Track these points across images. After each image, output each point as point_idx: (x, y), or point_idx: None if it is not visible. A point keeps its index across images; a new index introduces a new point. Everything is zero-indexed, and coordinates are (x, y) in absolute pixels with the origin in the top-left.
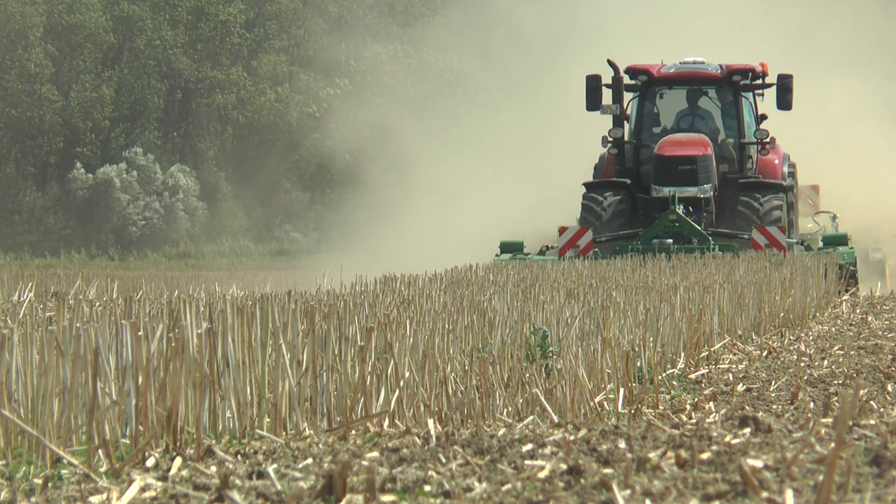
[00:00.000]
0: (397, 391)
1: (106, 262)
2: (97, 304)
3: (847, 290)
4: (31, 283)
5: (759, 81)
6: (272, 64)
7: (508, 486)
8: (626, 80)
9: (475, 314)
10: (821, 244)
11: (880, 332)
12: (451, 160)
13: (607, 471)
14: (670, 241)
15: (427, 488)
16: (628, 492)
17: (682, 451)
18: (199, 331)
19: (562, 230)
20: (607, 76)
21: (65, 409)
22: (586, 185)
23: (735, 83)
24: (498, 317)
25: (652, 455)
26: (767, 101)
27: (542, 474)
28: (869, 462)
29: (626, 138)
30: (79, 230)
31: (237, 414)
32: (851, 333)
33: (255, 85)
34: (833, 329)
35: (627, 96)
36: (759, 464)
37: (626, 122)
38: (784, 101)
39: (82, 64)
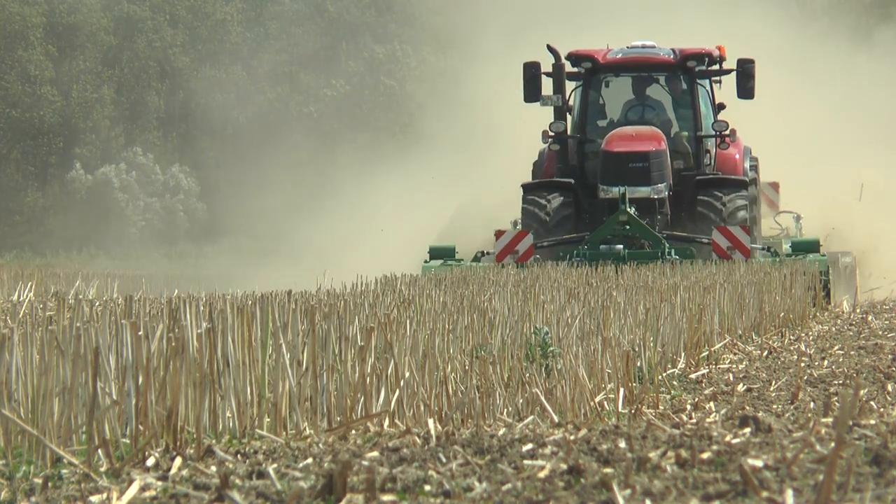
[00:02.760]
0: (397, 391)
1: (106, 262)
2: (97, 303)
3: (820, 303)
4: (31, 283)
5: (716, 67)
6: (272, 64)
7: (508, 485)
8: (568, 67)
9: (475, 314)
10: (788, 249)
11: (880, 332)
12: (365, 159)
13: (607, 470)
14: (620, 246)
15: (427, 488)
16: (628, 491)
17: (682, 451)
18: (199, 330)
19: (498, 234)
20: (547, 63)
21: (65, 408)
22: (525, 186)
23: (690, 69)
24: (498, 317)
25: (652, 455)
26: (724, 90)
27: (542, 474)
28: (869, 462)
29: (568, 132)
30: (79, 230)
31: (237, 414)
32: (851, 333)
33: (253, 84)
34: (833, 329)
35: (570, 86)
36: (759, 463)
37: (568, 114)
38: (745, 89)
39: (82, 64)
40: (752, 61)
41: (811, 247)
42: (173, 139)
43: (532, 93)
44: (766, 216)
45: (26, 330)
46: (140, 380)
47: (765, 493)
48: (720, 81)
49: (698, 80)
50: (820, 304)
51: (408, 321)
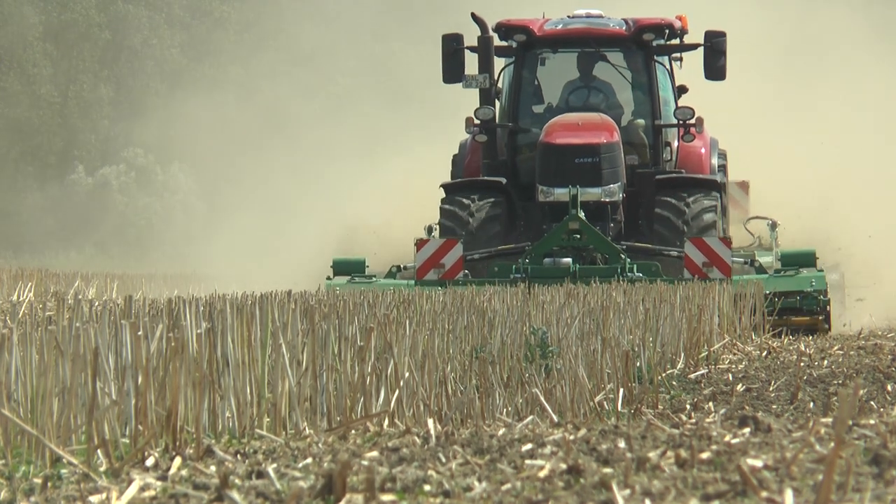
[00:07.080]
0: (397, 391)
1: (106, 262)
2: (97, 303)
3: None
4: (30, 283)
5: (677, 41)
6: (270, 62)
7: (508, 485)
8: (497, 40)
9: (475, 314)
10: (771, 262)
11: (880, 332)
12: (263, 149)
13: (607, 470)
14: (568, 260)
15: (427, 488)
16: (628, 491)
17: (681, 451)
18: (198, 331)
19: (420, 244)
20: (471, 36)
21: (64, 408)
22: (447, 186)
23: (646, 44)
24: (498, 317)
25: (652, 455)
26: (683, 69)
27: (541, 474)
28: (868, 462)
29: (497, 120)
30: (79, 230)
31: (237, 414)
32: (851, 333)
33: (252, 83)
34: (833, 329)
35: (499, 63)
36: (758, 463)
37: (497, 98)
38: (714, 69)
39: (80, 64)
40: (722, 34)
41: (806, 260)
42: (173, 138)
43: (453, 71)
44: (735, 222)
45: (26, 330)
46: (139, 380)
47: (764, 493)
48: (680, 59)
49: (656, 57)
50: (822, 329)
51: (407, 321)
